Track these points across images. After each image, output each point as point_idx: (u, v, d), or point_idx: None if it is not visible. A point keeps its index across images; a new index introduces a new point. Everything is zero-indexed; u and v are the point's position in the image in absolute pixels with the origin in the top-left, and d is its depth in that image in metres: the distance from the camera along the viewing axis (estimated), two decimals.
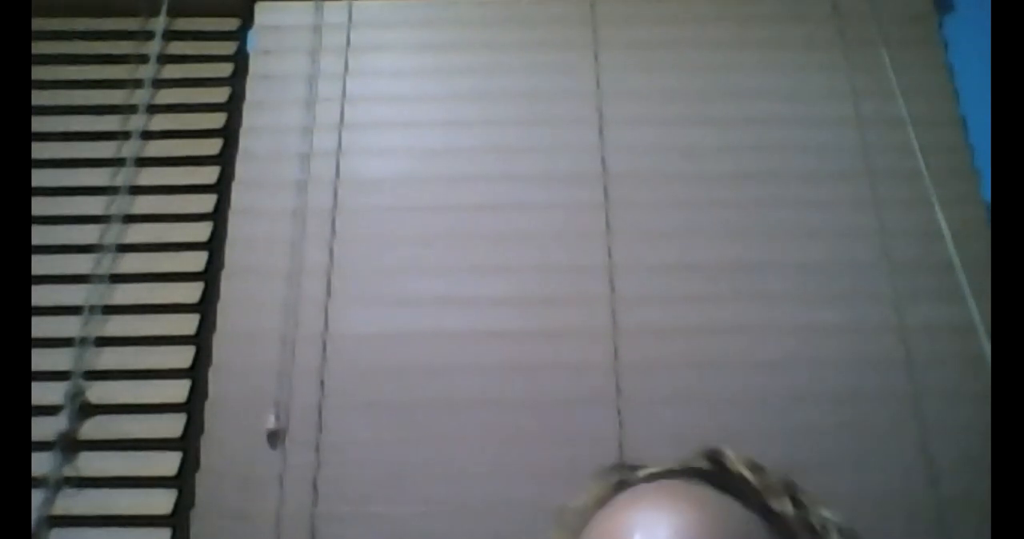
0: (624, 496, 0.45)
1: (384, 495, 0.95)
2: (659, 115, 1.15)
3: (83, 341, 1.02)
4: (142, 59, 1.19)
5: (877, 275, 1.04)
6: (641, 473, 0.47)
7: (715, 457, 0.47)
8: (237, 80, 1.19)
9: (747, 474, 0.45)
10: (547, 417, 0.98)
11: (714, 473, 0.46)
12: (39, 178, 1.12)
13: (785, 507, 0.43)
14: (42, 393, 0.99)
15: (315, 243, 1.08)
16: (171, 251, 1.09)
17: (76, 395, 1.00)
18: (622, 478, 0.48)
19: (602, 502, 0.46)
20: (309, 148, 1.13)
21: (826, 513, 0.45)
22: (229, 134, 1.16)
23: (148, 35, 1.20)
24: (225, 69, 1.20)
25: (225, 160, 1.14)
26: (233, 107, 1.17)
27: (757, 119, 1.14)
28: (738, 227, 1.08)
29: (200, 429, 0.99)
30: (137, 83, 1.17)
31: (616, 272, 1.05)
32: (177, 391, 1.01)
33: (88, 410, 1.00)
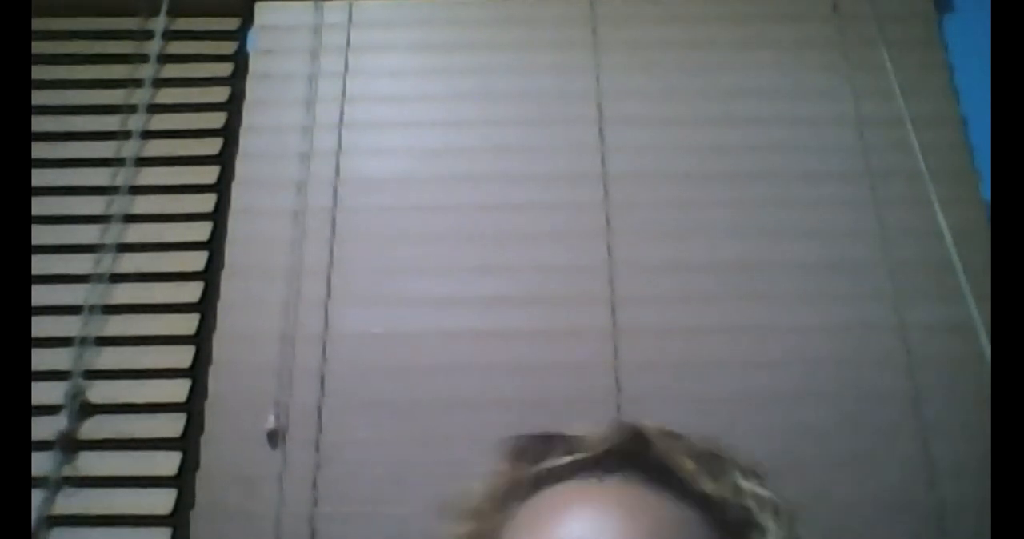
0: (548, 500, 0.43)
1: (384, 495, 0.95)
2: (659, 115, 1.15)
3: (83, 341, 1.02)
4: (142, 59, 1.19)
5: (877, 275, 1.04)
6: (562, 463, 0.45)
7: (634, 434, 0.45)
8: (237, 80, 1.19)
9: (672, 455, 0.43)
10: (547, 417, 0.98)
11: (638, 455, 0.43)
12: (39, 178, 1.12)
13: (714, 489, 0.42)
14: (42, 393, 0.99)
15: (315, 243, 1.08)
16: (171, 251, 1.09)
17: (76, 395, 1.00)
18: (538, 468, 0.45)
19: (517, 497, 0.44)
20: (309, 148, 1.13)
21: (756, 487, 0.43)
22: (229, 134, 1.16)
23: (148, 35, 1.20)
24: (225, 69, 1.20)
25: (225, 160, 1.14)
26: (233, 107, 1.17)
27: (757, 119, 1.14)
28: (738, 227, 1.08)
29: (200, 429, 0.99)
30: (137, 83, 1.17)
31: (616, 272, 1.05)
32: (177, 391, 1.01)
33: (88, 410, 1.00)
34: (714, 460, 0.44)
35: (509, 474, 0.46)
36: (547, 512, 0.42)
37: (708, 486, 0.42)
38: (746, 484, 0.43)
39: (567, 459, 0.45)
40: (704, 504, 0.41)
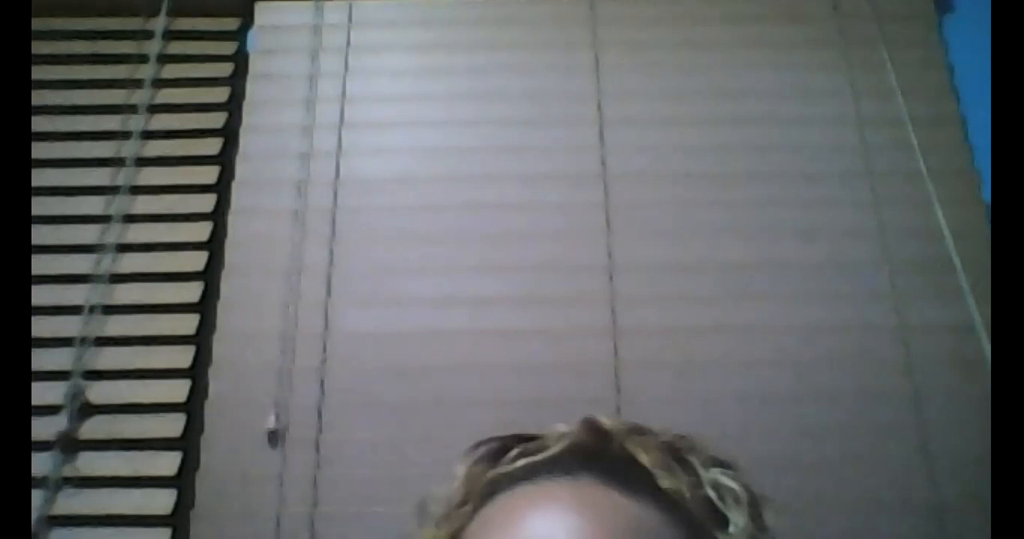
0: (507, 502, 0.42)
1: (384, 495, 0.95)
2: (659, 115, 1.15)
3: (83, 341, 1.02)
4: (142, 59, 1.19)
5: (877, 275, 1.04)
6: (520, 465, 0.44)
7: (595, 428, 0.44)
8: (237, 80, 1.19)
9: (633, 450, 0.42)
10: (547, 417, 0.98)
11: (598, 452, 0.42)
12: (39, 178, 1.12)
13: (677, 484, 0.41)
14: (42, 393, 0.99)
15: (315, 243, 1.08)
16: (171, 251, 1.09)
17: (76, 395, 1.00)
18: (498, 471, 0.44)
19: (477, 500, 0.43)
20: (309, 148, 1.13)
21: (721, 478, 0.42)
22: (229, 134, 1.16)
23: (148, 35, 1.20)
24: (225, 69, 1.20)
25: (225, 160, 1.14)
26: (233, 107, 1.17)
27: (757, 119, 1.14)
28: (738, 227, 1.08)
29: (200, 429, 0.99)
30: (137, 83, 1.17)
31: (616, 272, 1.05)
32: (177, 391, 1.01)
33: (88, 410, 1.00)
34: (678, 453, 0.43)
35: (469, 477, 0.45)
36: (505, 514, 0.41)
37: (669, 481, 0.41)
38: (709, 476, 0.42)
39: (525, 460, 0.44)
40: (665, 499, 0.40)
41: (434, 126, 1.15)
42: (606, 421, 0.44)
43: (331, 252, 1.07)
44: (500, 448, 0.46)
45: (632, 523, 0.39)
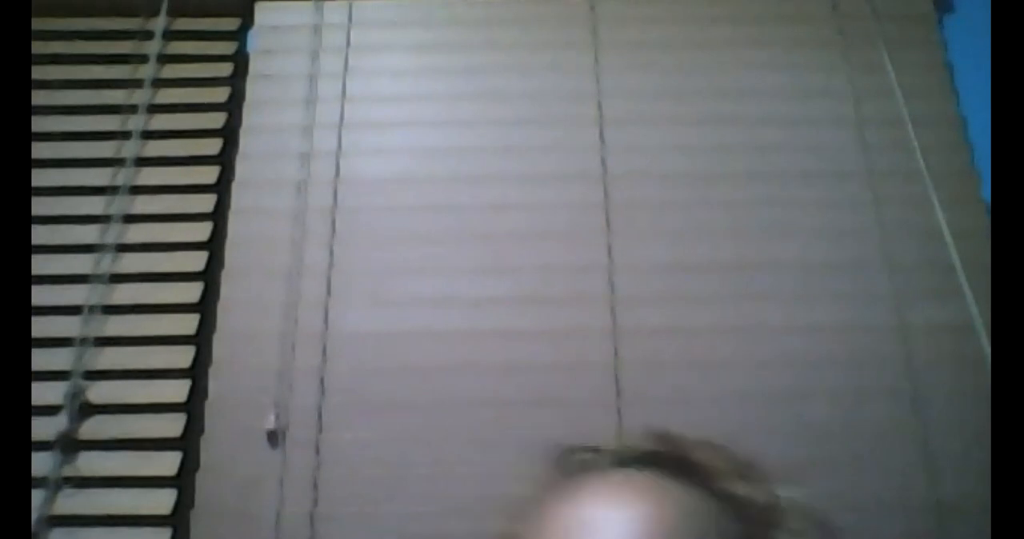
0: (573, 489, 0.44)
1: (384, 495, 0.95)
2: (659, 115, 1.15)
3: (83, 341, 1.02)
4: (142, 59, 1.19)
5: (877, 275, 1.05)
6: (588, 460, 0.46)
7: (662, 438, 0.46)
8: (237, 80, 1.19)
9: (696, 455, 0.44)
10: (547, 417, 0.98)
11: (663, 456, 0.45)
12: (39, 178, 1.12)
13: (736, 487, 0.42)
14: (42, 393, 0.99)
15: (315, 243, 1.08)
16: (171, 251, 1.09)
17: (76, 395, 1.00)
18: (571, 467, 0.46)
19: (549, 493, 0.45)
20: (309, 148, 1.13)
21: (780, 491, 0.44)
22: (229, 134, 1.16)
23: (148, 35, 1.20)
24: (225, 69, 1.20)
25: (225, 160, 1.14)
26: (233, 107, 1.17)
27: (757, 119, 1.14)
28: (738, 227, 1.08)
29: (200, 429, 0.99)
30: (137, 83, 1.17)
31: (616, 272, 1.05)
32: (177, 391, 1.01)
33: (88, 410, 1.00)
34: (740, 464, 0.45)
35: (543, 476, 0.47)
36: (570, 497, 0.43)
37: (730, 483, 0.43)
38: (770, 485, 0.44)
39: (593, 458, 0.46)
40: (725, 498, 0.42)
41: (434, 126, 1.15)
42: (675, 432, 0.46)
43: (331, 252, 1.07)
44: (574, 452, 0.48)
45: (684, 506, 0.40)
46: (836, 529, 0.44)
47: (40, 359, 1.01)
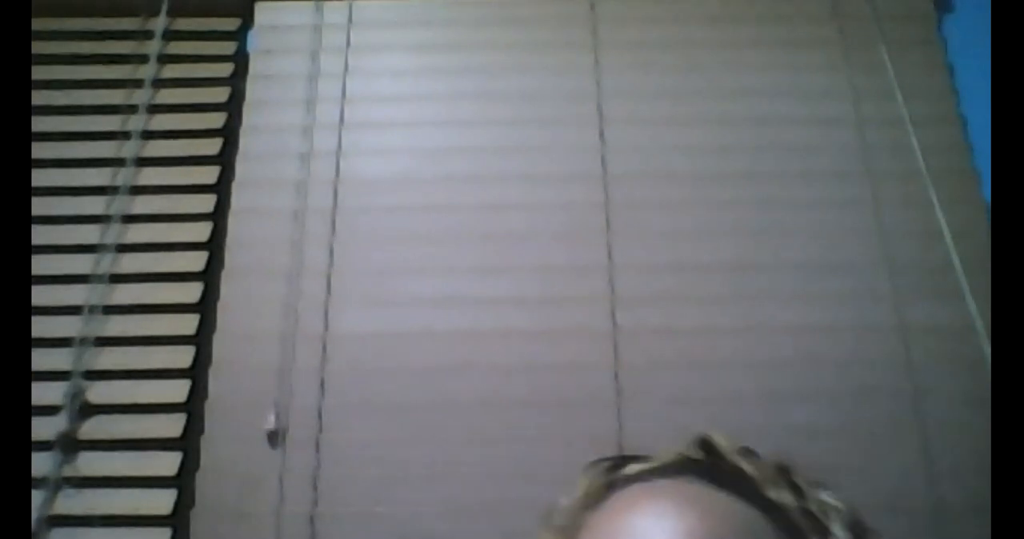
0: (619, 499, 0.44)
1: (384, 495, 0.95)
2: (659, 115, 1.15)
3: (83, 341, 1.02)
4: (142, 59, 1.19)
5: (877, 275, 1.05)
6: (634, 470, 0.46)
7: (707, 446, 0.46)
8: (237, 80, 1.19)
9: (742, 463, 0.44)
10: (547, 417, 0.98)
11: (708, 464, 0.45)
12: (39, 178, 1.12)
13: (782, 496, 0.43)
14: (42, 393, 0.99)
15: (315, 243, 1.08)
16: (171, 251, 1.09)
17: (76, 395, 1.00)
18: (614, 475, 0.46)
19: (593, 502, 0.45)
20: (309, 148, 1.13)
21: (825, 497, 0.44)
22: (229, 134, 1.16)
23: (148, 35, 1.20)
24: (225, 69, 1.20)
25: (225, 160, 1.14)
26: (233, 107, 1.17)
27: (757, 119, 1.14)
28: (738, 227, 1.08)
29: (200, 429, 0.99)
30: (137, 83, 1.17)
31: (616, 272, 1.05)
32: (177, 391, 1.01)
33: (88, 410, 1.00)
34: (785, 471, 0.45)
35: (588, 484, 0.47)
36: (613, 509, 0.43)
37: (774, 491, 0.43)
38: (814, 493, 0.44)
39: (638, 467, 0.46)
40: (769, 506, 0.42)
41: (434, 126, 1.15)
42: (719, 439, 0.47)
43: (331, 252, 1.07)
44: (618, 461, 0.48)
45: (732, 517, 0.40)
46: (876, 533, 0.44)
47: (40, 359, 1.01)
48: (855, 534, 0.42)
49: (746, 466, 0.44)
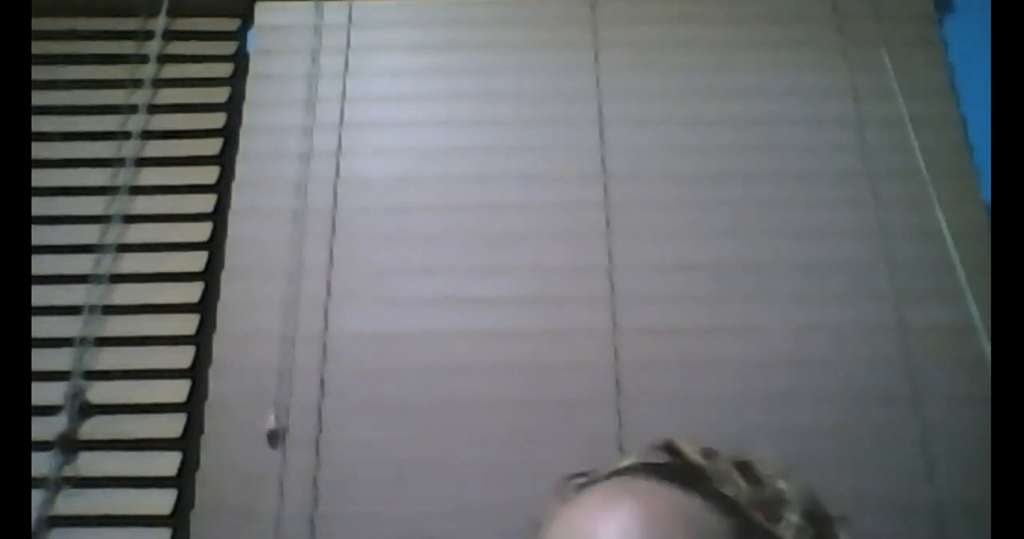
0: (576, 502, 0.46)
1: (384, 495, 0.95)
2: (659, 115, 1.15)
3: (83, 341, 1.02)
4: (142, 59, 1.19)
5: (877, 275, 1.05)
6: (594, 475, 0.48)
7: (670, 449, 0.48)
8: (237, 80, 1.19)
9: (700, 462, 0.46)
10: (547, 417, 0.98)
11: (670, 466, 0.46)
12: (39, 178, 1.12)
13: (738, 490, 0.44)
14: (42, 393, 0.99)
15: (315, 243, 1.08)
16: (171, 251, 1.09)
17: (76, 395, 1.00)
18: (575, 481, 0.49)
19: (558, 506, 0.47)
20: (309, 148, 1.13)
21: (782, 486, 0.46)
22: (229, 134, 1.16)
23: (148, 35, 1.20)
24: (225, 69, 1.20)
25: (225, 160, 1.14)
26: (233, 107, 1.17)
27: (757, 119, 1.14)
28: (738, 227, 1.08)
29: (200, 429, 0.99)
30: (137, 83, 1.17)
31: (616, 272, 1.05)
32: (177, 391, 1.01)
33: (88, 410, 1.00)
34: (743, 466, 0.47)
35: (557, 493, 0.50)
36: (570, 510, 0.45)
37: (727, 486, 0.44)
38: (771, 482, 0.46)
39: (601, 472, 0.49)
40: (723, 501, 0.44)
41: (434, 126, 1.15)
42: (682, 442, 0.48)
43: (331, 252, 1.07)
44: (586, 471, 0.51)
45: (680, 510, 0.42)
46: (838, 519, 0.47)
47: (40, 359, 1.01)
48: (810, 520, 0.44)
49: (704, 464, 0.46)
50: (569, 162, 1.12)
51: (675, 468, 0.46)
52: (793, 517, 0.43)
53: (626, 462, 0.48)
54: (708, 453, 0.48)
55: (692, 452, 0.47)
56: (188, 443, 0.99)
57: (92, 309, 1.04)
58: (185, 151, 1.15)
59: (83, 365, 1.01)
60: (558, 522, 0.45)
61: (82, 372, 1.01)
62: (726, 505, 0.43)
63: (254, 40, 1.21)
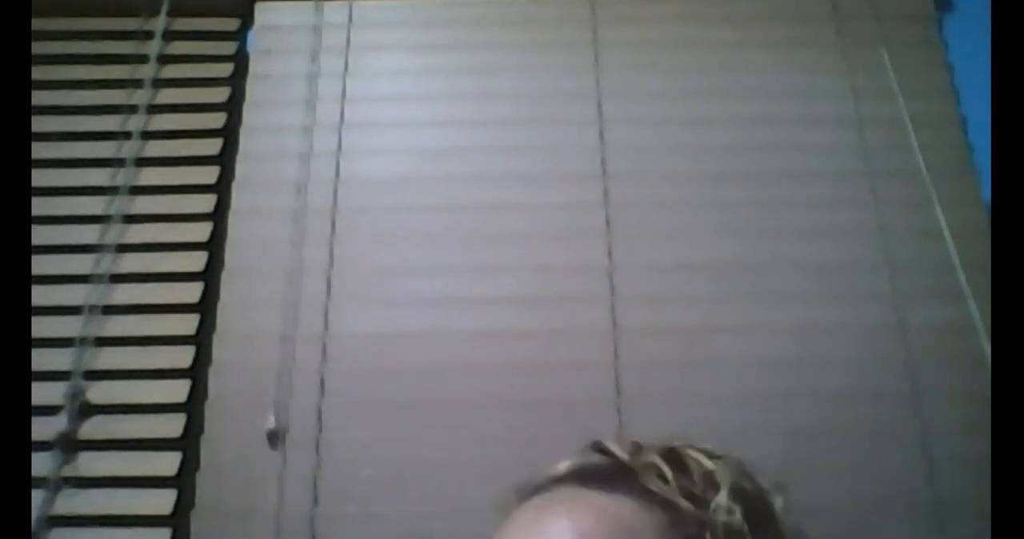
0: (511, 517, 0.47)
1: (384, 495, 0.95)
2: (659, 115, 1.15)
3: (83, 341, 1.02)
4: (142, 59, 1.19)
5: (877, 275, 1.04)
6: (526, 487, 0.49)
7: (598, 448, 0.49)
8: (237, 80, 1.19)
9: (627, 459, 0.47)
10: (547, 417, 0.98)
11: (599, 470, 0.47)
12: (39, 178, 1.11)
13: (664, 483, 0.45)
14: (42, 393, 0.99)
15: (315, 243, 1.08)
16: (171, 251, 1.09)
17: (76, 395, 1.00)
18: (510, 495, 0.50)
19: (499, 520, 0.48)
20: (309, 148, 1.13)
21: (713, 467, 0.46)
22: (229, 134, 1.16)
23: (148, 35, 1.20)
24: (225, 69, 1.20)
25: (225, 160, 1.14)
26: (233, 107, 1.17)
27: (757, 119, 1.14)
28: (738, 227, 1.08)
29: (200, 429, 0.99)
30: (137, 83, 1.17)
31: (616, 272, 1.05)
32: (177, 391, 1.01)
33: (88, 410, 1.00)
34: (672, 455, 0.47)
35: (498, 507, 0.51)
36: (511, 524, 0.47)
37: (653, 481, 0.45)
38: (701, 468, 0.46)
39: (531, 484, 0.50)
40: (650, 497, 0.44)
41: (434, 126, 1.15)
42: (611, 443, 0.49)
43: (331, 252, 1.07)
44: (525, 480, 0.52)
45: (605, 518, 0.43)
46: (772, 488, 0.47)
47: (40, 359, 1.01)
48: (739, 497, 0.44)
49: (630, 461, 0.47)
50: (569, 162, 1.12)
51: (604, 472, 0.47)
52: (721, 499, 0.43)
53: (561, 466, 0.49)
54: (636, 449, 0.48)
55: (619, 450, 0.48)
56: (188, 443, 0.99)
57: (92, 309, 1.04)
58: (185, 151, 1.14)
59: (83, 365, 1.01)
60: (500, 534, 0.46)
61: (82, 372, 1.01)
62: (656, 501, 0.44)
63: (254, 40, 1.21)
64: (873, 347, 1.01)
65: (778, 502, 0.47)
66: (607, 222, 1.08)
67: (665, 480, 0.45)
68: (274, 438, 0.97)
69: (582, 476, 0.47)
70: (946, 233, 1.05)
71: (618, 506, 0.43)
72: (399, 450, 0.97)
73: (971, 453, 0.94)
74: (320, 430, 0.98)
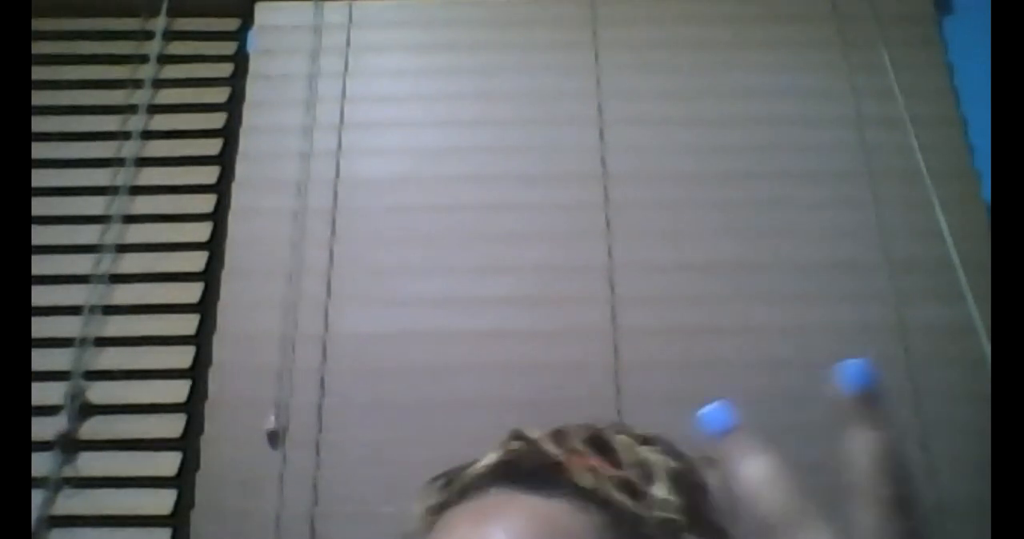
0: (438, 527, 0.44)
1: (384, 495, 0.95)
2: (659, 115, 1.15)
3: (83, 341, 1.02)
4: (142, 59, 1.19)
5: (877, 275, 1.04)
6: (454, 487, 0.47)
7: (520, 438, 0.47)
8: (237, 80, 1.19)
9: (553, 452, 0.44)
10: (547, 417, 0.97)
11: (517, 463, 0.45)
12: (39, 178, 1.12)
13: (595, 478, 0.42)
14: (42, 393, 0.99)
15: (315, 243, 1.08)
16: (171, 251, 1.09)
17: (76, 395, 1.00)
18: (439, 498, 0.47)
19: (423, 531, 0.46)
20: (309, 148, 1.13)
21: (648, 455, 0.44)
22: (229, 134, 1.16)
23: (148, 35, 1.20)
24: (225, 69, 1.20)
25: (225, 160, 1.14)
26: (233, 107, 1.17)
27: (757, 119, 1.14)
28: (738, 227, 1.08)
29: (200, 429, 0.99)
30: (137, 83, 1.17)
31: (616, 272, 1.05)
32: (177, 391, 1.01)
33: (88, 410, 1.00)
34: (601, 442, 0.45)
35: (418, 513, 0.48)
36: (442, 535, 0.43)
37: (582, 476, 0.42)
38: (634, 456, 0.43)
39: (450, 487, 0.47)
40: (583, 494, 0.42)
41: (434, 126, 1.15)
42: (528, 431, 0.47)
43: (331, 252, 1.07)
44: (444, 481, 0.49)
45: (537, 521, 0.40)
46: (705, 483, 0.43)
47: (40, 359, 1.01)
48: (678, 488, 0.42)
49: (556, 455, 0.44)
50: (569, 162, 1.12)
51: (535, 470, 0.44)
52: (659, 491, 0.41)
53: (487, 461, 0.47)
54: (559, 437, 0.46)
55: (543, 440, 0.46)
56: (188, 443, 0.99)
57: (92, 309, 1.04)
58: (185, 151, 1.15)
59: (83, 365, 1.01)
60: None
61: (82, 372, 1.01)
62: (593, 500, 0.41)
63: (254, 40, 1.21)
64: (873, 347, 1.01)
65: (711, 477, 0.43)
66: (607, 222, 1.08)
67: (597, 475, 0.42)
68: (274, 438, 0.97)
69: (512, 476, 0.44)
70: (946, 233, 1.05)
71: (555, 511, 0.41)
72: (399, 450, 0.97)
73: (971, 452, 0.94)
74: (320, 430, 0.98)
